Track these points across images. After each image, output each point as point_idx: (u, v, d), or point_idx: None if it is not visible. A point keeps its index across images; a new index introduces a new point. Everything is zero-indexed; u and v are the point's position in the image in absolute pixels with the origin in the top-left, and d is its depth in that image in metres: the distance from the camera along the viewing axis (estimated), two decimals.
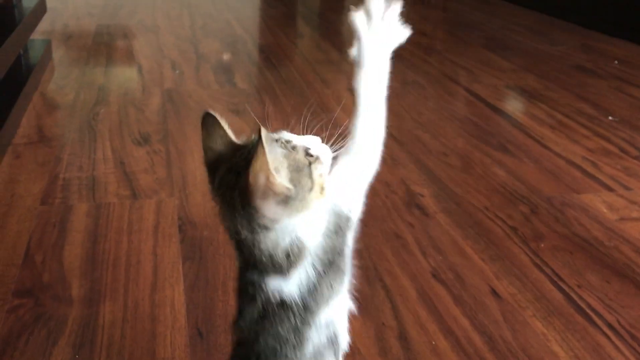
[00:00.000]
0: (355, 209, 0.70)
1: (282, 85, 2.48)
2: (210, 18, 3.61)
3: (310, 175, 0.64)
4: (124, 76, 2.52)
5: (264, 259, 0.65)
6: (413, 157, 1.87)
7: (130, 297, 1.20)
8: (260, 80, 2.55)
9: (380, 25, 0.70)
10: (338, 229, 0.67)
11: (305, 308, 0.66)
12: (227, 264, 1.30)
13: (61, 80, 2.42)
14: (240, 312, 0.69)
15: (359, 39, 0.71)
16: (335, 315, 0.69)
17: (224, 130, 0.68)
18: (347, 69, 2.77)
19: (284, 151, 0.64)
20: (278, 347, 0.67)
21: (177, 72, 2.58)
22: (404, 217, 1.53)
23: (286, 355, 0.67)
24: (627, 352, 1.12)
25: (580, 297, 1.27)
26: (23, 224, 1.43)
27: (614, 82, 2.70)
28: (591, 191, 1.71)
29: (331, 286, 0.67)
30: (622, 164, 1.89)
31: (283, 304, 0.66)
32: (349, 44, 0.71)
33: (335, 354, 0.70)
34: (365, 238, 1.41)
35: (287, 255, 0.64)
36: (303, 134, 0.69)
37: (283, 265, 0.65)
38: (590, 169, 1.85)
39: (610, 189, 1.73)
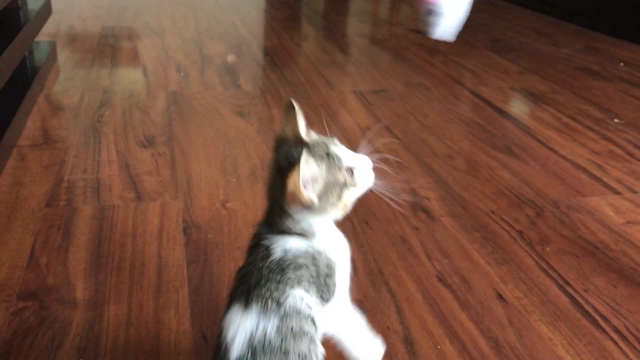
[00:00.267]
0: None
1: (286, 87, 2.47)
2: (215, 20, 3.61)
3: (339, 195, 0.77)
4: (129, 78, 2.52)
5: (281, 226, 0.79)
6: (418, 159, 1.86)
7: (135, 300, 1.19)
8: (265, 82, 2.55)
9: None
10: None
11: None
12: (231, 267, 1.30)
13: (66, 82, 2.42)
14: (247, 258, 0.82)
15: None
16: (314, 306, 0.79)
17: (296, 122, 0.79)
18: (351, 71, 2.77)
19: (328, 166, 0.76)
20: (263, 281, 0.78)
21: (182, 74, 2.58)
22: (409, 221, 1.52)
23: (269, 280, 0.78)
24: (634, 358, 1.11)
25: (587, 302, 1.26)
26: (27, 227, 1.43)
27: (620, 85, 2.69)
28: (597, 194, 1.70)
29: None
30: (629, 167, 1.88)
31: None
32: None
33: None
34: (370, 241, 1.41)
35: (300, 233, 0.79)
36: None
37: (297, 233, 0.80)
38: (596, 171, 1.84)
39: (616, 192, 1.72)
